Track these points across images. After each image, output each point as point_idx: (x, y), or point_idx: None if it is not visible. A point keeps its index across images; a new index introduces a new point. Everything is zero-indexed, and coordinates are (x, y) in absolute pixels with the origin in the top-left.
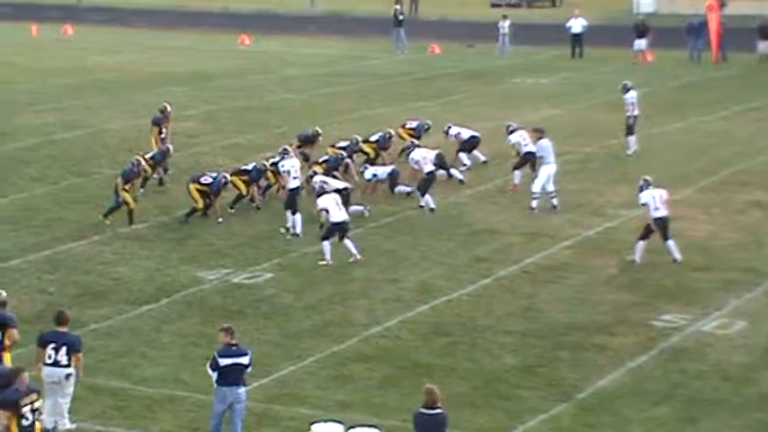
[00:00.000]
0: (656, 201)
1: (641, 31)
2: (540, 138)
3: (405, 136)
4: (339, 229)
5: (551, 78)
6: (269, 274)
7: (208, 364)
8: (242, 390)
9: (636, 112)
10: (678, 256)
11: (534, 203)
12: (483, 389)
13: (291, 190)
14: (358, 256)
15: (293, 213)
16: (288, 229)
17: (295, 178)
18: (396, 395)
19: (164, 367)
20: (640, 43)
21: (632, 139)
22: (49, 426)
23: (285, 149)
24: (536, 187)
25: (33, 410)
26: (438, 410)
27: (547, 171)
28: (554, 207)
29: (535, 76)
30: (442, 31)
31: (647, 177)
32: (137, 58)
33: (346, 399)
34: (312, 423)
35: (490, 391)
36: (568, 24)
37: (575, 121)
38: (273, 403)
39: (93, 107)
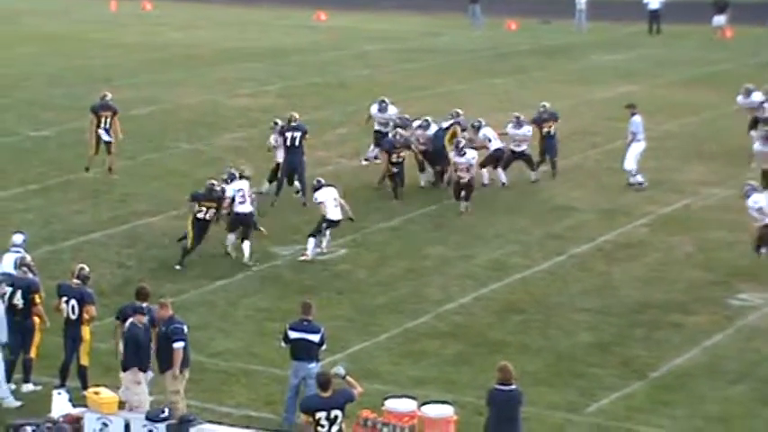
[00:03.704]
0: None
1: (720, 7)
2: (634, 114)
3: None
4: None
5: (628, 55)
6: (343, 251)
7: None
8: (313, 365)
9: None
10: None
11: (640, 178)
12: (556, 366)
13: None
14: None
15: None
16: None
17: (242, 203)
18: (469, 371)
19: (239, 341)
20: (719, 19)
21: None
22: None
23: (232, 174)
24: (629, 164)
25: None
26: (513, 387)
27: (637, 148)
28: (630, 185)
29: (612, 53)
30: (519, 7)
31: (753, 182)
32: (213, 33)
33: (419, 375)
34: (385, 398)
35: (563, 368)
36: (646, 0)
37: (652, 99)
38: None
39: (169, 83)
